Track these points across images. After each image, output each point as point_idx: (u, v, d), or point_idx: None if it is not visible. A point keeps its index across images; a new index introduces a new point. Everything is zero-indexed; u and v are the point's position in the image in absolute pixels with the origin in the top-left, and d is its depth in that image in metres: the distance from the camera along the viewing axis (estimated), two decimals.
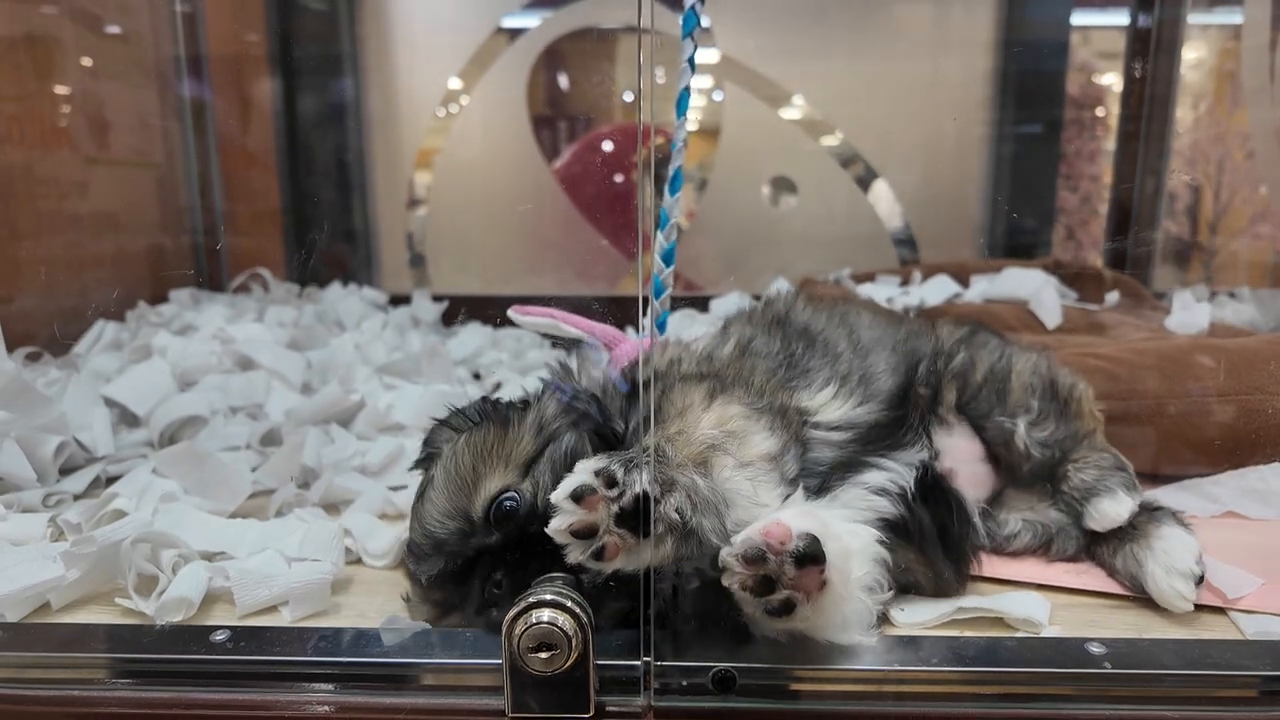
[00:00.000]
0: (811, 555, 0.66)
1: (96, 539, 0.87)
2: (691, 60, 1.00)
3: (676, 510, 0.67)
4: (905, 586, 0.86)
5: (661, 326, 1.02)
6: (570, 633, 0.66)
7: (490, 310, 2.06)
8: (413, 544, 0.82)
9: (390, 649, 0.74)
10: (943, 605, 0.84)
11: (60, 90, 1.81)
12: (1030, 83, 2.43)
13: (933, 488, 0.88)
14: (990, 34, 2.41)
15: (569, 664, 0.66)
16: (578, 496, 0.66)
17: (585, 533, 0.66)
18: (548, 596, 0.67)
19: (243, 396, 1.43)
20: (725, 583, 0.68)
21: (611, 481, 0.66)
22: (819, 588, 0.68)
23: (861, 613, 0.72)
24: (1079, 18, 2.48)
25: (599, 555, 0.66)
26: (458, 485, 0.80)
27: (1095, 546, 0.93)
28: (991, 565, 0.93)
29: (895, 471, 0.85)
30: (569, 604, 0.67)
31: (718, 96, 2.40)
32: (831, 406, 0.87)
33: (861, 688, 0.71)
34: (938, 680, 0.71)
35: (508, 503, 0.77)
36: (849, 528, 0.76)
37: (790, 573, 0.66)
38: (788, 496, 0.76)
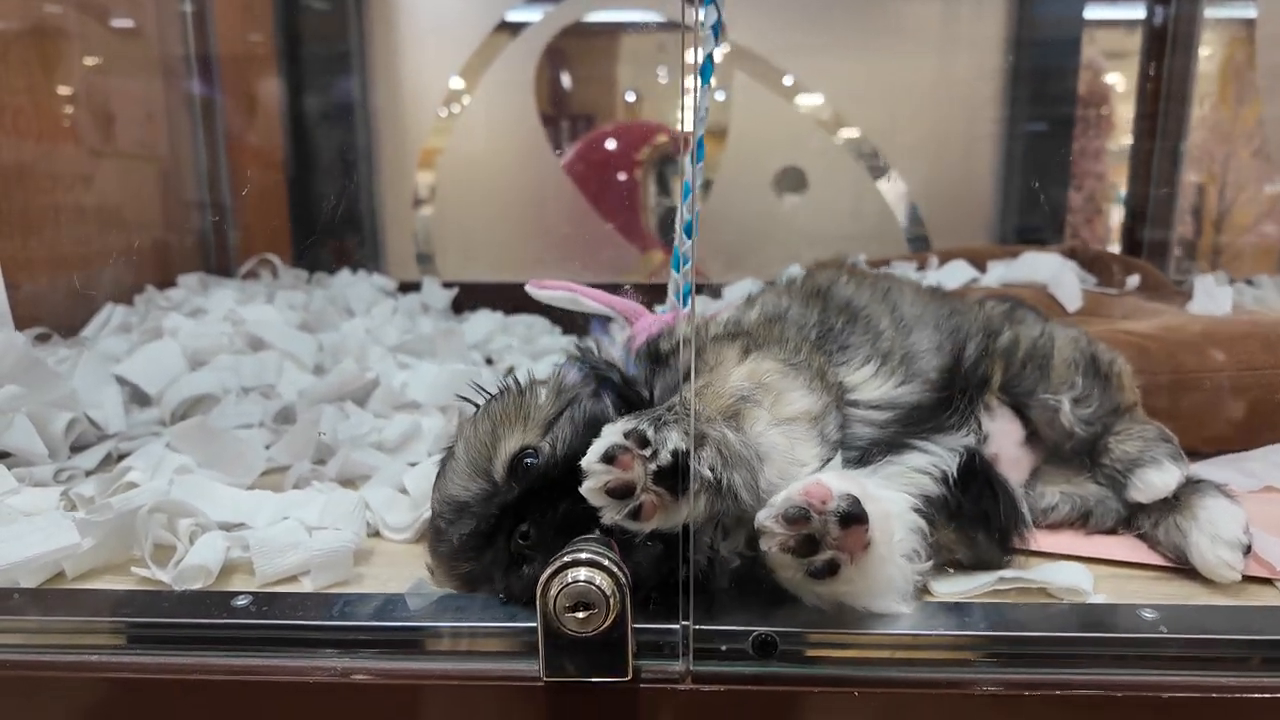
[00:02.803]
0: (855, 515, 0.64)
1: (113, 506, 0.85)
2: (710, 60, 0.98)
3: (709, 466, 0.65)
4: (943, 565, 0.83)
5: (684, 300, 1.00)
6: (608, 592, 0.64)
7: (500, 298, 2.04)
8: (436, 516, 0.80)
9: (419, 613, 0.71)
10: (982, 576, 0.81)
11: (69, 84, 1.80)
12: (1041, 79, 2.41)
13: (977, 474, 0.85)
14: (1000, 30, 2.39)
15: (606, 624, 0.64)
16: (609, 458, 0.64)
17: (621, 491, 0.64)
18: (584, 555, 0.65)
19: (255, 377, 1.41)
20: (764, 546, 0.66)
21: (643, 441, 0.64)
22: (863, 548, 0.65)
23: (902, 578, 0.70)
24: (1092, 11, 2.45)
25: (636, 515, 0.64)
26: (479, 450, 0.78)
27: (1136, 519, 0.91)
28: (1029, 538, 0.90)
29: (937, 455, 0.83)
30: (606, 563, 0.64)
31: (720, 96, 2.38)
32: (871, 385, 0.84)
33: (907, 654, 0.69)
34: (986, 645, 0.68)
35: (528, 458, 0.76)
36: (887, 493, 0.74)
37: (834, 532, 0.64)
38: (827, 461, 0.74)
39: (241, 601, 0.73)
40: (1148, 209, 2.27)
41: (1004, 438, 0.93)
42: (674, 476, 0.64)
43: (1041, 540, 0.90)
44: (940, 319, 0.93)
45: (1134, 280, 1.77)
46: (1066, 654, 0.68)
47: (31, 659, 0.70)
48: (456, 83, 2.33)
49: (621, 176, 2.49)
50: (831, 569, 0.65)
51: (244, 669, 0.69)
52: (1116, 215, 2.39)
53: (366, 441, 1.18)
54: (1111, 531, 0.92)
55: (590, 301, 1.12)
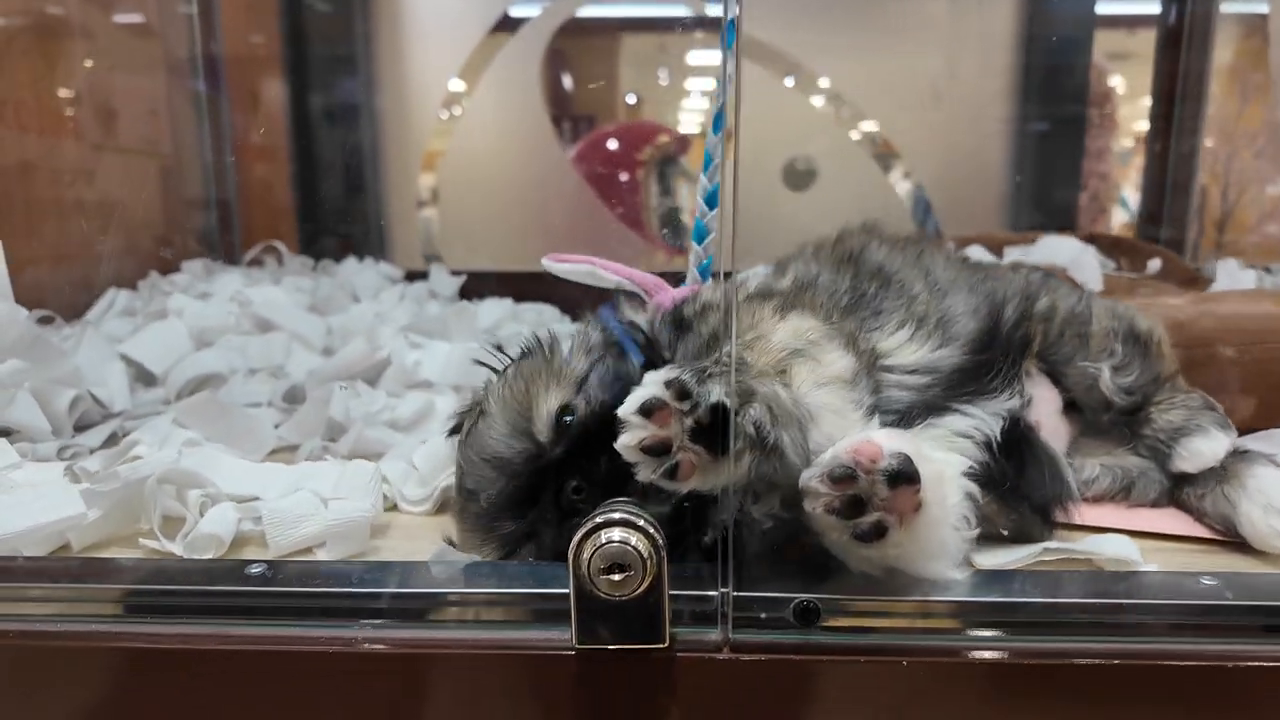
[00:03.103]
0: (906, 474, 0.61)
1: (120, 475, 0.81)
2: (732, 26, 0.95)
3: (754, 423, 0.61)
4: (982, 538, 0.80)
5: (704, 273, 0.97)
6: (644, 554, 0.60)
7: (508, 287, 2.01)
8: (468, 476, 0.77)
9: (444, 579, 0.68)
10: (1024, 548, 0.78)
11: (72, 80, 1.78)
12: (1052, 76, 2.38)
13: (1020, 441, 0.82)
14: (1011, 26, 2.37)
15: (642, 588, 0.61)
16: (647, 410, 0.61)
17: (657, 449, 0.61)
18: (617, 515, 0.61)
19: (262, 358, 1.38)
20: (808, 508, 0.63)
21: (683, 393, 0.61)
22: (914, 510, 0.62)
23: (955, 543, 0.67)
24: (1104, 6, 2.42)
25: (672, 474, 0.61)
26: (515, 408, 0.76)
27: (1180, 490, 0.88)
28: (1073, 510, 0.87)
29: (980, 419, 0.80)
30: (641, 523, 0.61)
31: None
32: (908, 349, 0.81)
33: (956, 623, 0.66)
34: (1042, 614, 0.65)
35: (567, 417, 0.73)
36: (942, 454, 0.71)
37: (883, 493, 0.61)
38: (867, 424, 0.71)
39: (255, 569, 0.69)
40: (1162, 209, 2.24)
41: (1043, 405, 0.90)
42: (713, 434, 0.61)
43: (1084, 513, 0.87)
44: (975, 283, 0.90)
45: (1155, 264, 1.74)
46: (1125, 623, 0.65)
47: (35, 629, 0.67)
48: (457, 84, 2.31)
49: (624, 176, 2.46)
50: (879, 531, 0.62)
51: (258, 639, 0.66)
52: (1119, 216, 2.37)
53: (379, 420, 1.15)
54: (1154, 504, 0.89)
55: (609, 274, 1.09)
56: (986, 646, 0.64)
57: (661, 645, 0.62)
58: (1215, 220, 2.29)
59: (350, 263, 2.08)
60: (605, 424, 0.64)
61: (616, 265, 1.09)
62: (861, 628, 0.65)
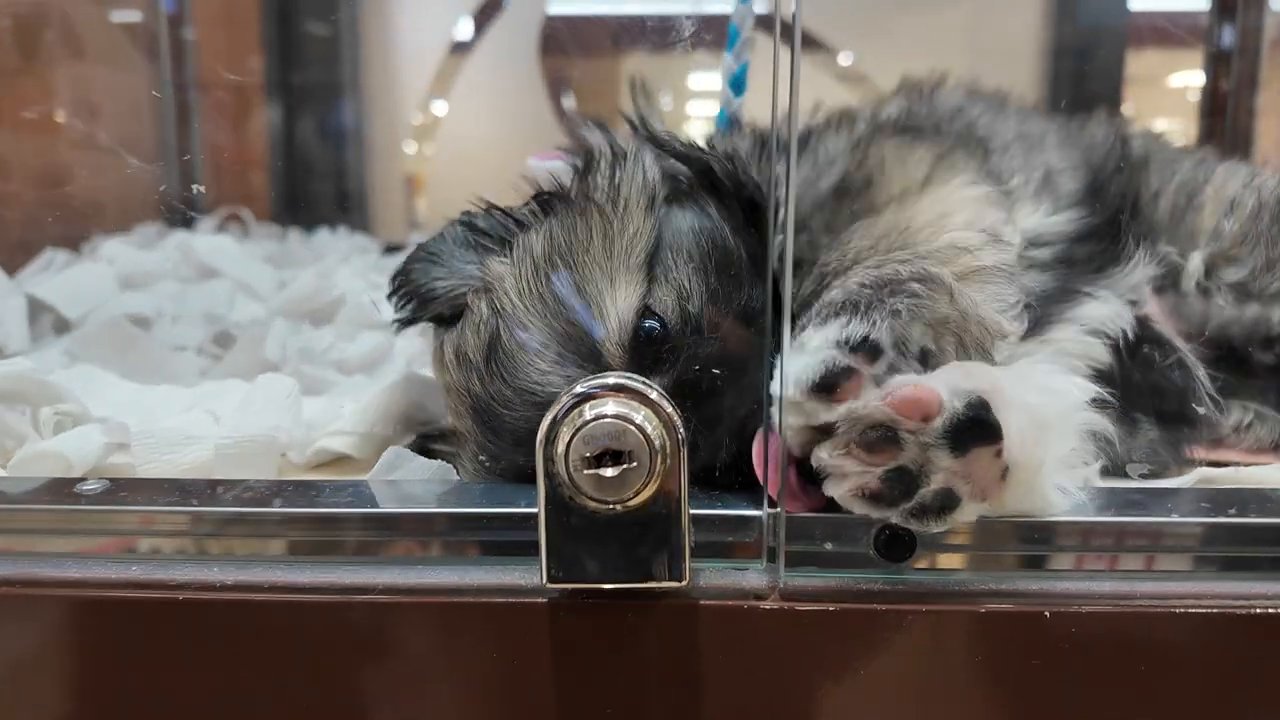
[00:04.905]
0: (980, 428, 0.40)
1: None
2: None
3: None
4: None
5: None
6: (654, 440, 0.39)
7: None
8: (489, 421, 0.52)
9: (341, 498, 0.46)
10: (1172, 480, 0.57)
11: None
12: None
13: (1149, 347, 0.62)
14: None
15: (648, 492, 0.39)
16: (828, 386, 0.41)
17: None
18: (613, 380, 0.40)
19: (201, 307, 1.17)
20: (830, 492, 0.42)
21: (875, 350, 0.41)
22: (998, 479, 0.41)
23: (1058, 499, 0.45)
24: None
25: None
26: (562, 314, 0.51)
27: None
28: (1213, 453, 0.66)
29: (1113, 305, 0.59)
30: (653, 394, 0.40)
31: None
32: (1024, 210, 0.61)
33: (1122, 552, 0.44)
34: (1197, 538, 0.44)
35: (649, 323, 0.50)
36: (1047, 384, 0.50)
37: (943, 460, 0.40)
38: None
39: (90, 487, 0.48)
40: None
41: (1152, 300, 0.68)
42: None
43: (1231, 455, 0.66)
44: (1068, 133, 0.69)
45: None
46: None
47: None
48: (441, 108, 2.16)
49: None
50: (945, 504, 0.41)
51: (63, 582, 0.44)
52: None
53: (325, 360, 0.94)
54: None
55: None
56: (1169, 590, 0.42)
57: (678, 586, 0.41)
58: None
59: (323, 234, 1.88)
60: (713, 328, 0.46)
61: None
62: (979, 562, 0.44)
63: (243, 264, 1.26)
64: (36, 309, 1.10)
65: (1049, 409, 0.47)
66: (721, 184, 0.55)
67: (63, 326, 1.11)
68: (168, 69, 1.88)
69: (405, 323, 0.64)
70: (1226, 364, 0.72)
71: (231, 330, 1.08)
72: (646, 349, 0.49)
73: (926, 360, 0.43)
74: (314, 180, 2.18)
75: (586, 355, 0.50)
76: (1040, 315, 0.56)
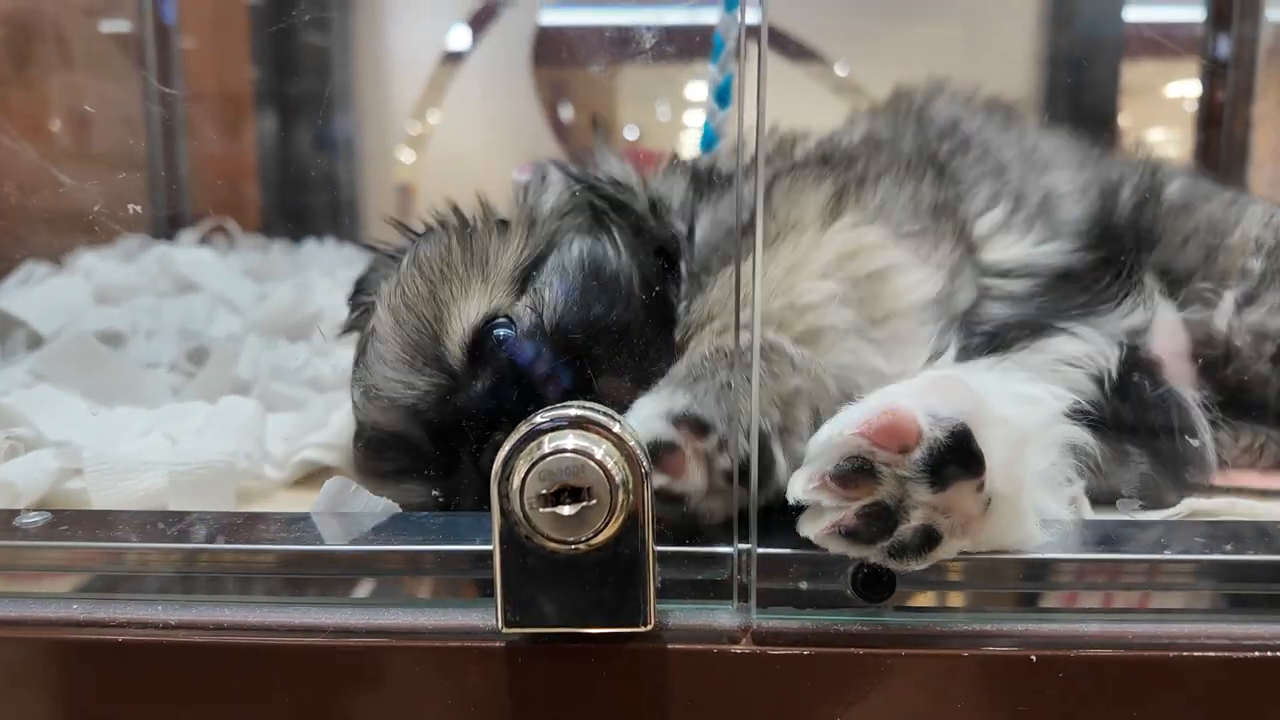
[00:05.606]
0: (962, 458, 0.38)
1: None
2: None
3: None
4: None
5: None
6: (614, 475, 0.37)
7: None
8: (362, 426, 0.55)
9: (290, 535, 0.44)
10: (1164, 510, 0.55)
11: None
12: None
13: (1138, 378, 0.60)
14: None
15: (610, 530, 0.37)
16: (654, 450, 0.40)
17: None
18: (574, 412, 0.38)
19: (178, 322, 1.15)
20: (806, 533, 0.40)
21: (700, 428, 0.41)
22: (979, 512, 0.39)
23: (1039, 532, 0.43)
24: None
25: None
26: (414, 323, 0.53)
27: None
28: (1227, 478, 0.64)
29: (1094, 344, 0.57)
30: (615, 427, 0.38)
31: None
32: (1003, 241, 0.59)
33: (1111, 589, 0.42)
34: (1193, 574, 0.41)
35: (499, 331, 0.50)
36: (1021, 392, 0.49)
37: (922, 495, 0.38)
38: (936, 357, 0.49)
39: (30, 520, 0.46)
40: None
41: (1165, 339, 0.67)
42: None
43: (1232, 478, 0.64)
44: (1085, 156, 0.67)
45: None
46: None
47: None
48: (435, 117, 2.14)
49: None
50: (926, 541, 0.39)
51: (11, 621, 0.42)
52: None
53: (299, 378, 0.91)
54: None
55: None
56: (1168, 633, 0.40)
57: (643, 630, 0.39)
58: None
59: (310, 245, 1.86)
60: (566, 345, 0.45)
61: None
62: (964, 607, 0.41)
63: (223, 277, 1.24)
64: (8, 324, 1.08)
65: (1027, 419, 0.45)
66: (644, 222, 0.56)
67: (35, 342, 1.08)
68: (155, 78, 1.87)
69: (346, 330, 0.64)
70: (1243, 404, 0.70)
71: (207, 346, 1.05)
72: (494, 354, 0.50)
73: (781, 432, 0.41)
74: (305, 191, 2.16)
75: (429, 359, 0.51)
76: (1006, 343, 0.54)
